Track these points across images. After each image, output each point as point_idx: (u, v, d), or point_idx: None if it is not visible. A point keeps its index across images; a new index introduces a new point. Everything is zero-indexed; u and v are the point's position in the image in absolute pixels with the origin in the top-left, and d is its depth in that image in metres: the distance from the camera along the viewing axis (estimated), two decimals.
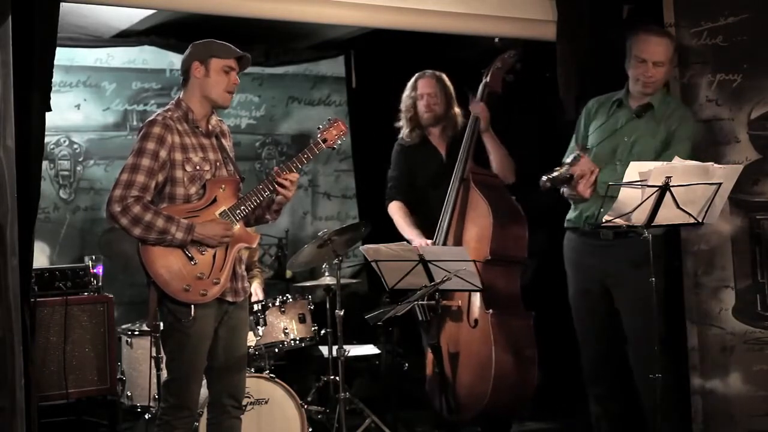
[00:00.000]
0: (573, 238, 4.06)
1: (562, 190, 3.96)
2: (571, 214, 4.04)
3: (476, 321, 4.26)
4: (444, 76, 4.73)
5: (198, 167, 3.34)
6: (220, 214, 3.35)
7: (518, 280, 4.38)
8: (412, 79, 4.75)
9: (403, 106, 4.75)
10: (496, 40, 4.89)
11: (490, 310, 4.20)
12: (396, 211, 4.70)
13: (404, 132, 4.73)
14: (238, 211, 3.37)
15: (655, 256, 3.55)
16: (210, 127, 3.44)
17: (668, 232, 3.90)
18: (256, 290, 4.77)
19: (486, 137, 4.55)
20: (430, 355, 4.45)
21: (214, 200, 3.35)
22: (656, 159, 3.80)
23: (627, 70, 3.95)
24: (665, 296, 3.87)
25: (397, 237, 4.42)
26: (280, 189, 3.40)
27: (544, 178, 3.83)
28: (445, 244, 4.41)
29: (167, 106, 3.42)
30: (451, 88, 4.70)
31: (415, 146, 4.72)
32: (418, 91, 4.68)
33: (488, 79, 4.56)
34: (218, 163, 3.41)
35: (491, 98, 4.55)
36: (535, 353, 4.28)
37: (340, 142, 3.52)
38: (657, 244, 3.64)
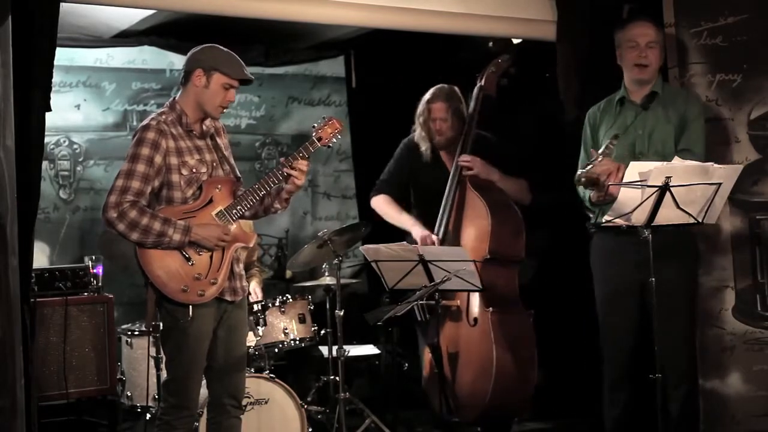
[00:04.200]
0: (604, 237, 3.95)
1: (589, 194, 3.88)
2: (605, 216, 3.83)
3: (476, 320, 4.26)
4: (455, 93, 4.63)
5: (194, 170, 3.33)
6: (217, 214, 3.34)
7: (516, 279, 4.38)
8: (426, 97, 4.63)
9: (417, 124, 4.66)
10: (490, 43, 4.89)
11: (490, 308, 4.21)
12: (384, 202, 4.69)
13: (422, 144, 4.64)
14: (234, 210, 3.36)
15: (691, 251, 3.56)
16: (204, 128, 3.42)
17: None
18: (255, 290, 4.77)
19: (501, 184, 4.46)
20: (427, 355, 4.45)
21: (211, 200, 3.34)
22: (677, 143, 3.82)
23: (620, 62, 3.97)
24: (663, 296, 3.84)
25: (398, 237, 4.42)
26: (292, 177, 3.37)
27: (579, 172, 3.73)
28: (443, 243, 4.41)
29: (161, 109, 3.40)
30: (462, 103, 4.62)
31: (426, 159, 4.66)
32: (431, 115, 4.60)
33: (483, 82, 4.55)
34: (214, 164, 3.41)
35: (486, 101, 4.53)
36: (535, 351, 4.27)
37: (335, 140, 3.49)
38: (690, 239, 3.64)
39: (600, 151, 3.65)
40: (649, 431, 3.80)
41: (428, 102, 4.62)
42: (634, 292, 3.84)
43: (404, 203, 4.71)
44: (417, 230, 4.48)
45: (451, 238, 4.43)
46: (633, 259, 3.76)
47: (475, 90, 4.56)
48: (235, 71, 3.35)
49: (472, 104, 4.56)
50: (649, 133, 3.88)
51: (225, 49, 3.39)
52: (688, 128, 3.83)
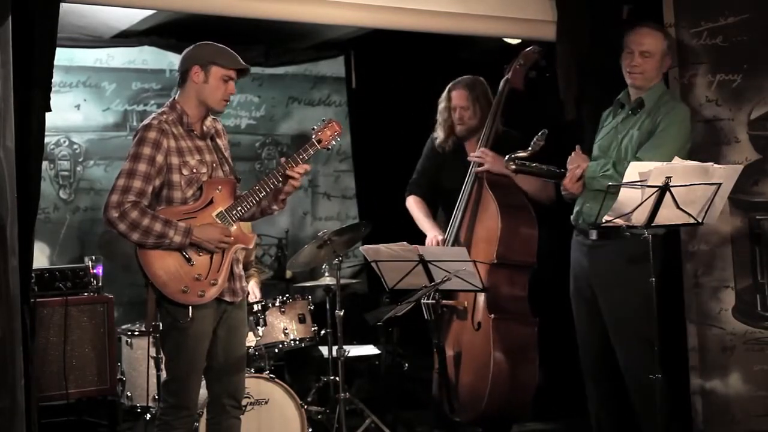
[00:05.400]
0: (573, 237, 4.07)
1: (562, 191, 3.97)
2: (605, 217, 3.99)
3: (479, 324, 4.23)
4: (480, 83, 4.56)
5: (195, 170, 3.33)
6: (217, 215, 3.34)
7: (525, 285, 4.30)
8: (448, 87, 4.60)
9: (438, 113, 4.63)
10: (519, 41, 4.81)
11: (493, 315, 4.15)
12: (412, 205, 4.67)
13: (439, 138, 4.61)
14: (234, 212, 3.36)
15: (653, 256, 3.54)
16: (204, 128, 3.43)
17: (667, 232, 3.90)
18: (253, 289, 4.77)
19: (519, 181, 4.36)
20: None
21: (211, 201, 3.35)
22: (638, 148, 3.82)
23: (621, 64, 3.98)
24: (657, 296, 3.87)
25: (398, 236, 4.41)
26: (290, 180, 3.39)
27: (507, 158, 3.88)
28: (455, 241, 4.36)
29: (162, 109, 3.41)
30: (488, 94, 4.55)
31: (450, 152, 4.62)
32: (452, 103, 4.54)
33: (509, 75, 4.43)
34: (215, 164, 3.41)
35: (512, 95, 4.43)
36: (537, 359, 4.23)
37: (334, 142, 3.50)
38: (653, 244, 3.63)
39: (535, 139, 3.88)
40: (629, 429, 3.85)
41: (449, 90, 4.58)
42: (587, 292, 3.94)
43: (434, 201, 4.68)
44: (430, 234, 4.48)
45: (462, 239, 4.37)
46: (585, 260, 3.92)
47: (501, 83, 4.45)
48: (232, 62, 3.37)
49: (496, 98, 4.46)
50: (622, 138, 3.91)
51: (217, 44, 3.41)
52: (653, 137, 3.81)
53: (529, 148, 3.94)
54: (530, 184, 4.40)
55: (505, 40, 5.19)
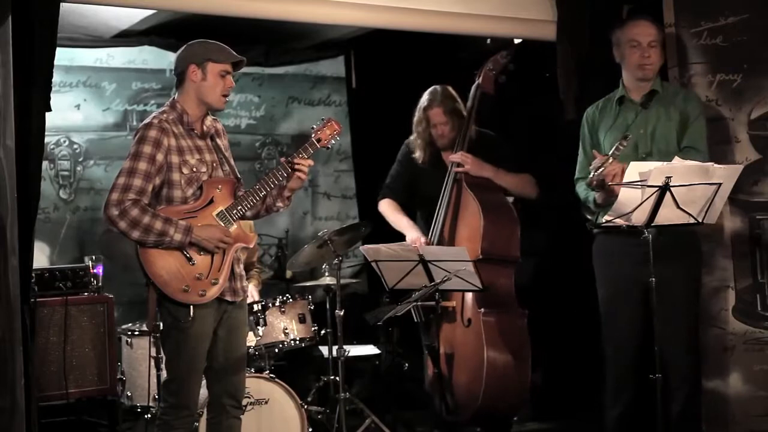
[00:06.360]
0: (607, 239, 3.95)
1: (593, 196, 3.88)
2: (605, 216, 3.87)
3: (469, 320, 4.26)
4: (448, 95, 4.57)
5: (195, 169, 3.34)
6: (217, 214, 3.35)
7: (512, 279, 4.36)
8: (422, 104, 4.58)
9: (414, 125, 4.64)
10: (488, 41, 4.86)
11: (482, 309, 4.20)
12: (387, 207, 4.70)
13: (418, 155, 4.62)
14: (234, 211, 3.36)
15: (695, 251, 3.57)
16: (205, 128, 3.43)
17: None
18: (252, 292, 4.77)
19: (499, 180, 4.45)
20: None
21: (211, 201, 3.35)
22: (680, 141, 3.83)
23: (619, 61, 3.96)
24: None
25: (398, 237, 4.42)
26: (297, 173, 3.40)
27: (591, 175, 3.68)
28: (438, 244, 4.40)
29: (162, 108, 3.43)
30: (460, 104, 4.58)
31: (428, 163, 4.63)
32: (431, 122, 4.55)
33: (480, 80, 4.53)
34: (215, 164, 3.41)
35: (483, 99, 4.52)
36: (529, 352, 4.26)
37: (333, 141, 3.51)
38: (693, 239, 3.66)
39: (611, 152, 3.60)
40: (650, 431, 3.81)
41: (425, 110, 4.59)
42: (636, 292, 3.81)
43: (410, 206, 4.70)
44: (410, 233, 4.49)
45: (446, 238, 4.42)
46: (635, 260, 3.74)
47: (473, 88, 4.54)
48: (227, 56, 3.39)
49: (469, 103, 4.54)
50: (652, 131, 3.88)
51: (208, 40, 3.42)
52: (690, 126, 3.84)
53: (610, 159, 3.63)
54: (510, 182, 4.47)
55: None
